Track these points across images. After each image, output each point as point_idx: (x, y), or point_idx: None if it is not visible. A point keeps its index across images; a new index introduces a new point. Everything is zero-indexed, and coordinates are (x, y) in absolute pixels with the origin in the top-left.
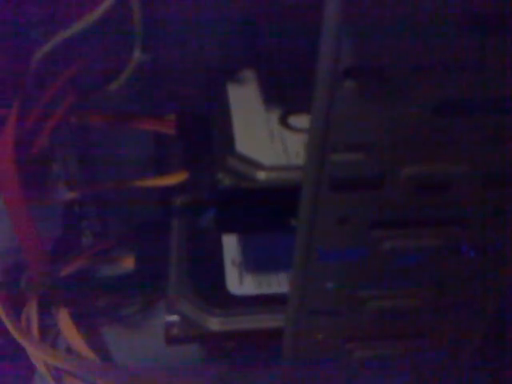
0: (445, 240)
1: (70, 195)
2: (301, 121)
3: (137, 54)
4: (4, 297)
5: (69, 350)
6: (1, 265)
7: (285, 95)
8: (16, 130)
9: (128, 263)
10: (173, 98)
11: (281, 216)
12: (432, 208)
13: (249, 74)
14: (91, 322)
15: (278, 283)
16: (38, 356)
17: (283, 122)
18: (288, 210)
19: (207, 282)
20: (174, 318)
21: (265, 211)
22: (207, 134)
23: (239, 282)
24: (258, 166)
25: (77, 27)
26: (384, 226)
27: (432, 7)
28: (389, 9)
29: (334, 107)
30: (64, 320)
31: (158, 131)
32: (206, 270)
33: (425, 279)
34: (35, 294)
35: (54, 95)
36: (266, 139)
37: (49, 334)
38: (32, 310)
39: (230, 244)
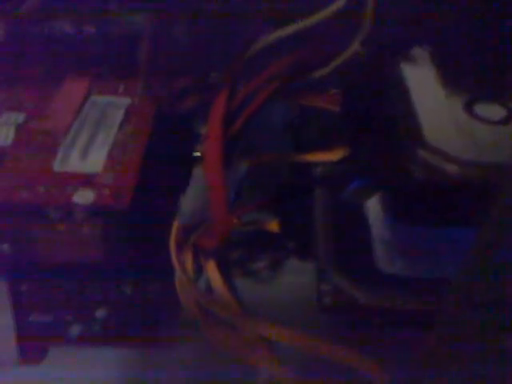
0: None
1: (246, 165)
2: (487, 110)
3: (356, 46)
4: (178, 246)
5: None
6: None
7: (466, 80)
8: (226, 105)
9: (272, 227)
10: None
11: (461, 211)
12: None
13: (423, 54)
14: (226, 273)
15: (428, 268)
16: (191, 293)
17: (468, 110)
18: (470, 207)
19: (356, 256)
20: (327, 287)
21: (446, 206)
22: (372, 111)
23: (388, 261)
24: (450, 159)
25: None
26: None
27: None
28: None
29: None
30: (212, 268)
31: (320, 107)
32: (354, 243)
33: None
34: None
35: (259, 83)
36: (452, 129)
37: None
38: (188, 256)
39: (377, 220)
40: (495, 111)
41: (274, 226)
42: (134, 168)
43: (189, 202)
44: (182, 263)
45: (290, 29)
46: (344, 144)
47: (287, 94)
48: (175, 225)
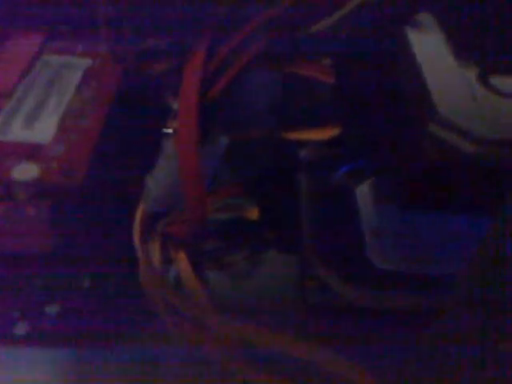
0: None
1: (226, 141)
2: (505, 83)
3: None
4: (143, 233)
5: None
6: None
7: (478, 49)
8: (203, 66)
9: (251, 214)
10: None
11: (474, 197)
12: None
13: (429, 20)
14: (198, 265)
15: (427, 262)
16: (157, 288)
17: (485, 82)
18: (485, 192)
19: (345, 249)
20: (313, 283)
21: (458, 190)
22: (372, 82)
23: (381, 254)
24: (466, 135)
25: None
26: None
27: None
28: None
29: None
30: (182, 260)
31: (311, 77)
32: (343, 234)
33: None
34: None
35: (248, 35)
36: (468, 102)
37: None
38: (155, 245)
39: (369, 209)
40: None
41: (252, 213)
42: (91, 139)
43: (157, 182)
44: (147, 253)
45: None
46: (336, 121)
47: (273, 59)
48: (140, 209)
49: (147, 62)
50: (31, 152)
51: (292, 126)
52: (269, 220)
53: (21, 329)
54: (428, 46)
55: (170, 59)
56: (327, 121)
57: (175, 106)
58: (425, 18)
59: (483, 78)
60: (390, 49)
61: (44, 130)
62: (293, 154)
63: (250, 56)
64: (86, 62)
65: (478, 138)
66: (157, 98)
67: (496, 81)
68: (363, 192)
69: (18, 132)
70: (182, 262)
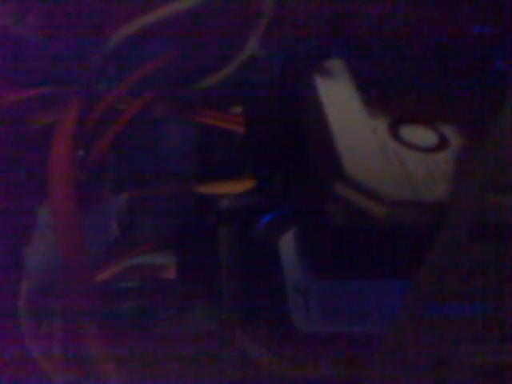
0: None
1: (123, 198)
2: (416, 134)
3: (251, 49)
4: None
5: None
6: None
7: (389, 97)
8: (75, 129)
9: (168, 273)
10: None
11: (389, 261)
12: None
13: (340, 66)
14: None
15: (350, 321)
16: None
17: (395, 134)
18: (399, 255)
19: (267, 311)
20: (231, 355)
21: (371, 254)
22: (280, 133)
23: (305, 315)
24: (378, 198)
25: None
26: None
27: None
28: None
29: None
30: (91, 333)
31: (221, 127)
32: (265, 294)
33: None
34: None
35: (125, 92)
36: (377, 158)
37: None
38: (55, 325)
39: (292, 264)
40: (425, 136)
41: (169, 271)
42: None
43: (36, 256)
44: (43, 336)
45: (159, 14)
46: (251, 173)
47: (181, 110)
48: (24, 287)
49: (30, 112)
50: None
51: (207, 179)
52: (188, 278)
53: None
54: (337, 94)
55: (57, 108)
56: (243, 172)
57: None
58: (335, 63)
59: (393, 130)
60: (299, 97)
61: None
62: (213, 205)
63: (138, 106)
64: None
65: (389, 199)
66: (38, 158)
67: (407, 131)
68: (286, 243)
69: None
70: (92, 337)
